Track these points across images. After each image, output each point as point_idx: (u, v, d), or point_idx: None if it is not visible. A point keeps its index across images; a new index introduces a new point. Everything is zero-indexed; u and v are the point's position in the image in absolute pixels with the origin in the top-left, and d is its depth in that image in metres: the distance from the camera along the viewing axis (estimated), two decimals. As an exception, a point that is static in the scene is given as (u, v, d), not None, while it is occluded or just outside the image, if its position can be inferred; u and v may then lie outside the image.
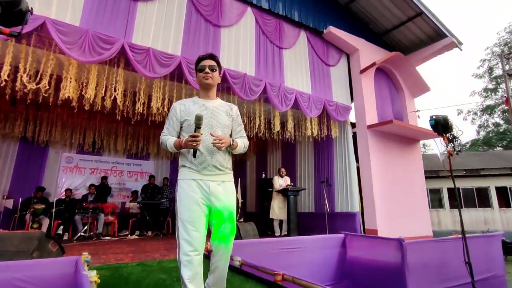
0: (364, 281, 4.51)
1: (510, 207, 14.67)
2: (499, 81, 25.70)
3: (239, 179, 6.74)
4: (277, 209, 6.50)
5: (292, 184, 6.81)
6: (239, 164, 10.52)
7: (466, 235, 4.12)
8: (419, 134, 7.19)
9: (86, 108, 4.64)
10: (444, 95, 50.98)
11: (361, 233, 6.27)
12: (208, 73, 1.97)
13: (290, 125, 6.09)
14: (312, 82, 6.29)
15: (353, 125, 7.16)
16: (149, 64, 4.29)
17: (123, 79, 4.50)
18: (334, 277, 4.66)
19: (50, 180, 7.89)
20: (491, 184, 14.84)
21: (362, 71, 6.92)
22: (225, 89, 5.51)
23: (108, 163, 8.87)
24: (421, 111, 7.74)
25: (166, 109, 4.77)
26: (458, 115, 28.01)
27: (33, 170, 7.70)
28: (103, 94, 4.41)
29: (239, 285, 2.56)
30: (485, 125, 27.16)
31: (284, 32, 6.13)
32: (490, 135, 26.57)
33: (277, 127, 5.88)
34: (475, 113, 27.34)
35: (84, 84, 4.34)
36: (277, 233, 6.56)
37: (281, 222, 6.58)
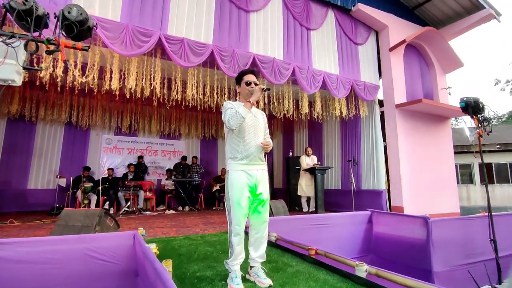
0: (388, 256, 4.75)
1: (546, 182, 14.13)
2: (544, 47, 23.65)
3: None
4: (305, 187, 6.79)
5: (319, 163, 7.03)
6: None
7: (494, 213, 4.22)
8: (449, 112, 7.07)
9: (127, 97, 5.02)
10: (479, 66, 47.63)
11: (387, 210, 6.48)
12: (253, 87, 2.34)
13: (318, 106, 6.21)
14: (340, 62, 6.30)
15: (380, 102, 7.15)
16: (184, 54, 4.53)
17: (160, 69, 4.80)
18: (360, 251, 4.95)
19: (93, 160, 8.60)
20: (525, 160, 14.27)
21: (392, 49, 6.80)
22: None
23: (143, 143, 9.47)
24: (452, 88, 7.52)
25: (200, 95, 5.06)
26: (495, 85, 26.42)
27: (78, 152, 8.44)
28: (143, 84, 4.74)
29: (276, 258, 2.92)
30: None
31: (311, 12, 6.10)
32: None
33: (305, 109, 6.04)
34: (514, 83, 25.60)
35: (126, 75, 4.68)
36: (305, 209, 6.90)
37: (308, 199, 6.90)
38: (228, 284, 2.17)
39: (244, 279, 2.26)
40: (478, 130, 4.39)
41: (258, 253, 2.34)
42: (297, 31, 5.86)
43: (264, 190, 2.35)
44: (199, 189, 8.75)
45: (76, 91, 5.14)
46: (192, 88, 4.96)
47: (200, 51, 4.66)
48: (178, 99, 5.07)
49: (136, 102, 7.99)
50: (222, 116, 2.29)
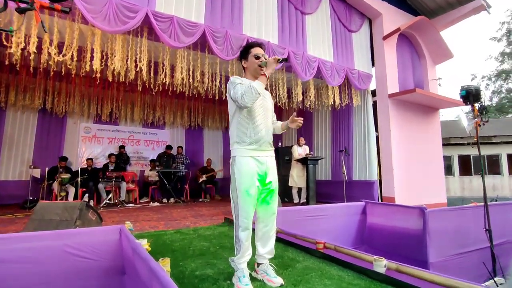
0: (382, 247, 4.68)
1: (520, 174, 14.79)
2: (518, 44, 24.64)
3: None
4: (296, 178, 6.62)
5: (312, 153, 6.87)
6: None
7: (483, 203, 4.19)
8: (440, 102, 7.07)
9: (110, 80, 4.61)
10: (458, 61, 49.21)
11: (378, 200, 6.43)
12: (263, 60, 2.06)
13: (312, 94, 6.01)
14: (334, 49, 6.10)
15: (372, 93, 7.04)
16: (174, 33, 4.17)
17: (146, 49, 4.41)
18: (354, 242, 4.86)
19: (70, 149, 8.04)
20: (503, 152, 14.82)
21: (385, 37, 6.66)
22: (247, 58, 5.38)
23: (125, 132, 8.96)
24: (442, 79, 7.54)
25: (191, 79, 4.72)
26: (472, 80, 27.28)
27: (54, 140, 7.84)
28: (128, 66, 4.34)
29: (281, 253, 2.70)
30: (499, 91, 26.47)
31: (306, -5, 5.84)
32: (503, 101, 25.99)
33: (299, 97, 5.82)
34: (489, 79, 26.57)
35: (109, 55, 4.26)
36: (296, 200, 6.74)
37: (299, 189, 6.74)
38: (234, 284, 1.93)
39: (251, 278, 2.03)
40: (476, 119, 4.34)
41: (267, 248, 2.10)
42: (292, 14, 5.59)
43: (274, 178, 2.10)
44: (184, 180, 8.42)
45: (51, 74, 4.66)
46: (181, 72, 4.60)
47: (192, 30, 4.31)
48: (166, 82, 4.69)
49: (118, 88, 7.50)
50: (231, 93, 1.98)
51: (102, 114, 8.16)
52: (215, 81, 5.19)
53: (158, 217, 5.02)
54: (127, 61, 4.36)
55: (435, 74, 7.73)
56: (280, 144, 8.63)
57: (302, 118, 2.17)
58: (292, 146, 7.09)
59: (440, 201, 7.17)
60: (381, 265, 2.03)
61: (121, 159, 8.05)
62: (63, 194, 6.53)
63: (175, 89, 5.45)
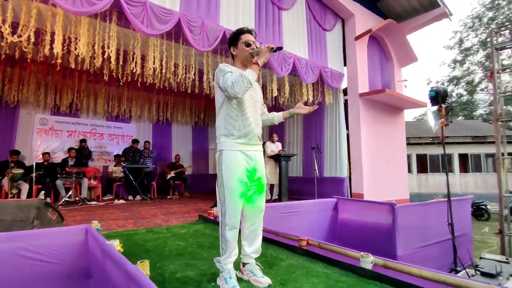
0: (353, 241, 4.79)
1: (468, 172, 16.12)
2: (467, 53, 26.80)
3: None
4: (269, 174, 6.58)
5: (285, 150, 6.88)
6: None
7: (445, 199, 4.43)
8: (406, 103, 7.41)
9: (73, 66, 4.22)
10: (415, 66, 52.50)
11: (348, 197, 6.59)
12: (255, 49, 1.93)
13: (286, 91, 5.99)
14: (309, 47, 6.13)
15: (344, 92, 7.20)
16: (147, 19, 3.89)
17: (115, 36, 4.09)
18: (326, 238, 4.93)
19: (24, 143, 7.34)
20: (455, 151, 16.04)
21: (357, 38, 6.83)
22: (223, 52, 5.21)
23: (87, 125, 8.36)
24: (407, 81, 7.92)
25: (163, 70, 4.46)
26: (427, 84, 29.26)
27: (3, 132, 7.10)
28: (94, 52, 3.99)
29: (263, 251, 2.56)
30: (450, 95, 28.64)
31: (283, -9, 5.79)
32: (454, 105, 28.18)
33: (274, 93, 5.77)
34: (442, 84, 28.62)
35: (72, 39, 3.89)
36: (268, 197, 6.70)
37: (272, 186, 6.71)
38: (220, 286, 1.82)
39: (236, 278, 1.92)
40: (442, 119, 4.57)
41: (253, 247, 2.01)
42: (268, 9, 5.50)
43: (262, 174, 2.01)
44: (151, 176, 8.04)
45: (2, 57, 4.15)
46: (154, 61, 4.32)
47: (166, 17, 4.06)
48: (136, 72, 4.39)
49: (80, 77, 6.93)
50: (220, 82, 1.82)
51: (61, 105, 7.53)
52: (189, 73, 4.96)
53: (126, 216, 4.73)
54: (93, 46, 4.01)
55: (401, 76, 8.09)
56: (252, 140, 8.55)
57: (317, 106, 2.23)
58: (264, 142, 7.04)
59: (403, 197, 7.54)
60: (368, 261, 2.02)
61: (82, 153, 7.50)
62: (14, 191, 5.93)
63: (145, 80, 5.14)
